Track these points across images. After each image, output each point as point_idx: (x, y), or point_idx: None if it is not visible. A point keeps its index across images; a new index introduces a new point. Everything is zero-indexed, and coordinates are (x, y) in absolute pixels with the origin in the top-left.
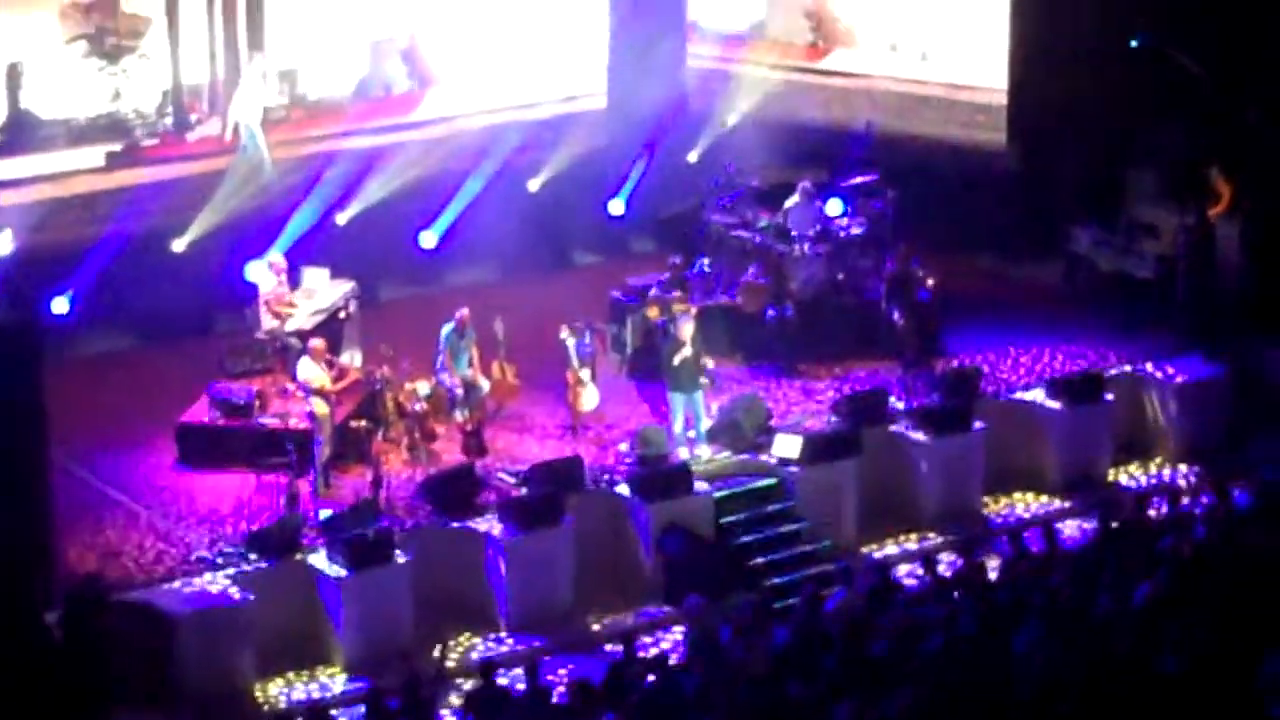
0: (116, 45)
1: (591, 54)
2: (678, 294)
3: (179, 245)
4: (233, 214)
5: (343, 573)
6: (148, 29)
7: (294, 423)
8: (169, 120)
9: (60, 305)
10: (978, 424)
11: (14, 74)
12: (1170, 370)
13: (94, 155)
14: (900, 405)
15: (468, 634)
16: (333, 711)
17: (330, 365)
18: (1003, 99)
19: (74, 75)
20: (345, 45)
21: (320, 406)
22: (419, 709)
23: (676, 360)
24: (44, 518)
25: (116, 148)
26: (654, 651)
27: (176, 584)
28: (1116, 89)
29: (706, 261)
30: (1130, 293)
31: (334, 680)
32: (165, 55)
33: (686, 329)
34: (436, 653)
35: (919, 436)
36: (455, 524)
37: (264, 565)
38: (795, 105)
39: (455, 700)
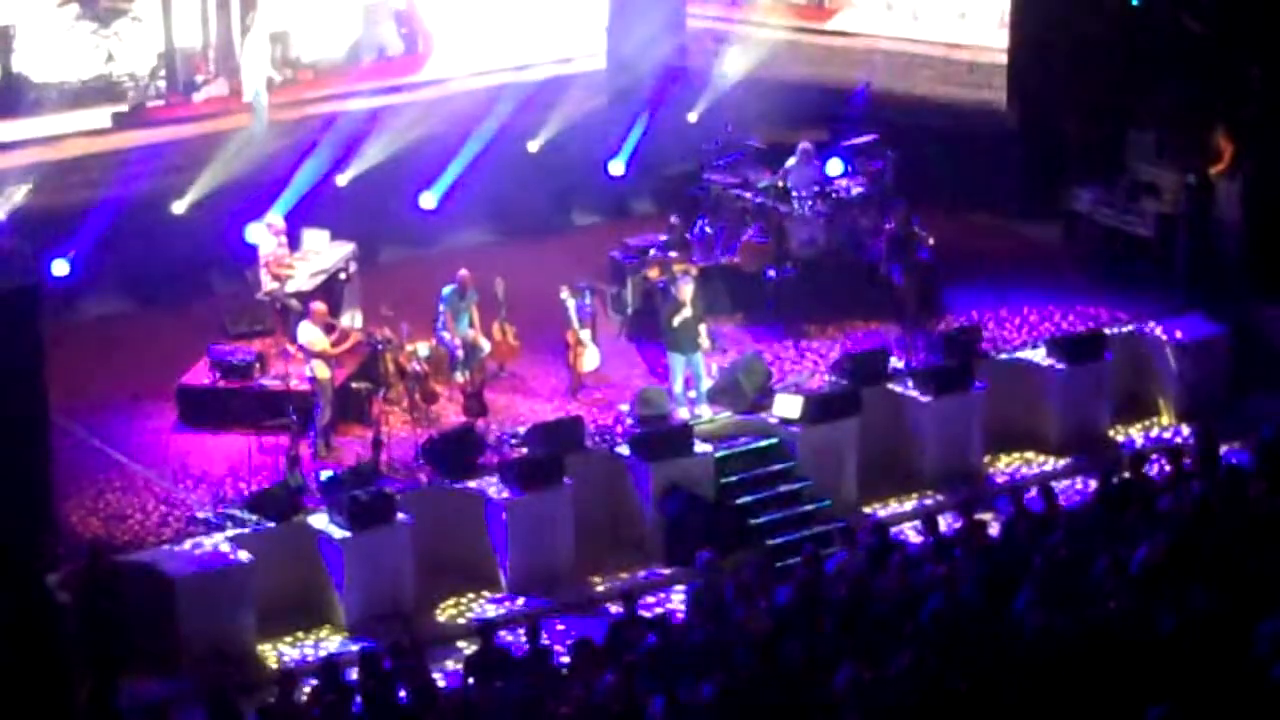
0: (109, 8)
1: (590, 14)
2: (677, 254)
3: (179, 207)
4: (233, 176)
5: (344, 534)
6: None
7: (295, 384)
8: (162, 83)
9: (60, 268)
10: (978, 383)
11: (5, 37)
12: (1171, 329)
13: (93, 117)
14: (900, 365)
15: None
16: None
17: (330, 328)
18: (1002, 58)
19: (66, 38)
20: (338, 7)
21: (321, 370)
22: (411, 672)
23: (676, 321)
24: (45, 480)
25: (121, 109)
26: (658, 611)
27: (178, 546)
28: (1117, 48)
29: (707, 222)
30: (1131, 251)
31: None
32: (158, 18)
33: (686, 290)
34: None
35: (919, 396)
36: (456, 485)
37: (265, 526)
38: (795, 65)
39: (453, 664)
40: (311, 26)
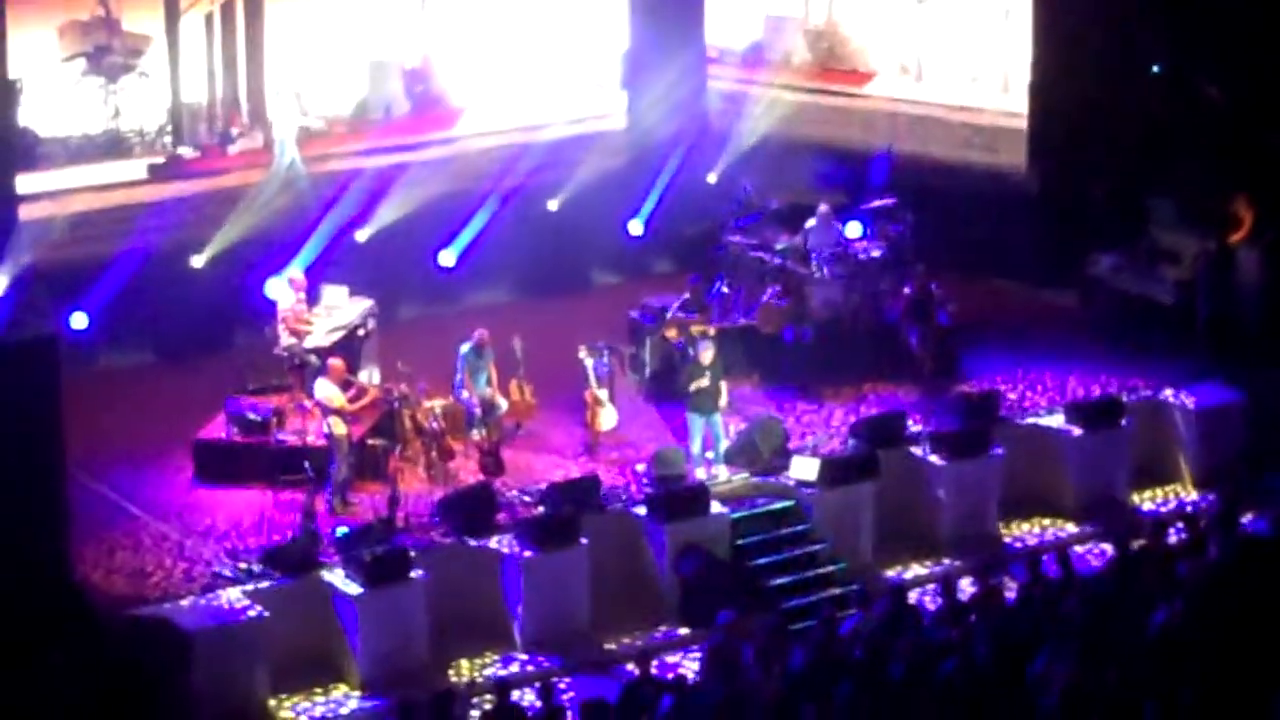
0: (115, 63)
1: (611, 73)
2: (696, 315)
3: (198, 261)
4: (254, 230)
5: (359, 590)
6: (148, 48)
7: (311, 440)
8: (169, 138)
9: (79, 320)
10: (995, 448)
11: (12, 91)
12: (1189, 396)
13: (108, 171)
14: (918, 428)
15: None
16: None
17: (348, 385)
18: (1023, 123)
19: (73, 93)
20: (345, 65)
21: (338, 426)
22: None
23: (694, 386)
24: (60, 533)
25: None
26: (674, 673)
27: (192, 600)
28: (1138, 115)
29: (725, 283)
30: (1150, 318)
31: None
32: (165, 74)
33: (707, 354)
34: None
35: (937, 460)
36: (472, 542)
37: (280, 582)
38: (815, 128)
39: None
40: (318, 84)
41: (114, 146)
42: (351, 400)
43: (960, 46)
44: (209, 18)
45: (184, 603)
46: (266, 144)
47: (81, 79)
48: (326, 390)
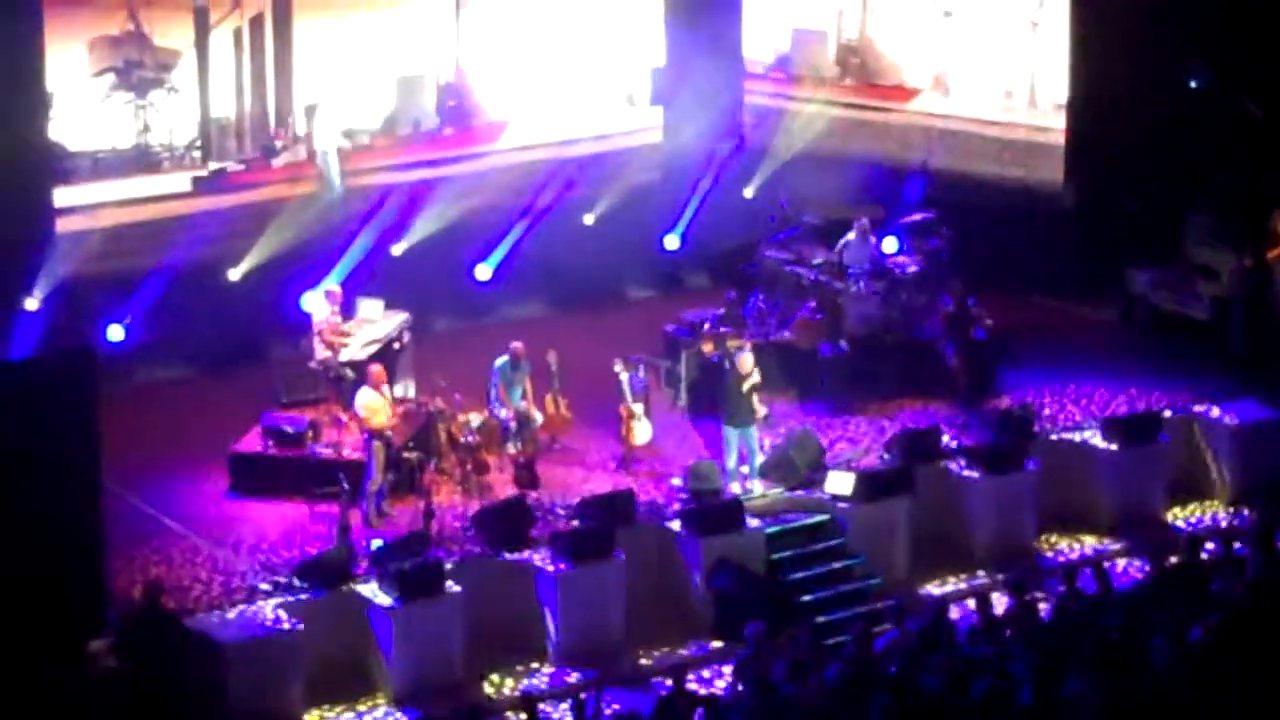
0: (144, 78)
1: (647, 88)
2: (732, 329)
3: (234, 274)
4: (290, 243)
5: (393, 603)
6: (177, 63)
7: (347, 453)
8: (198, 153)
9: (116, 333)
10: (1031, 463)
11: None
12: (1225, 413)
13: (152, 184)
14: (954, 443)
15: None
16: None
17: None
18: (1057, 138)
19: (103, 107)
20: (374, 80)
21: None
22: None
23: (745, 387)
24: (97, 545)
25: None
26: (704, 691)
27: (227, 612)
28: (1175, 130)
29: (761, 297)
30: (1186, 334)
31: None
32: (194, 89)
33: (747, 361)
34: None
35: (972, 474)
36: (506, 556)
37: (315, 595)
38: (852, 142)
39: None
40: (347, 99)
41: (143, 161)
42: (392, 408)
43: (988, 60)
44: (238, 33)
45: (219, 615)
46: (310, 157)
47: (111, 93)
48: (368, 397)
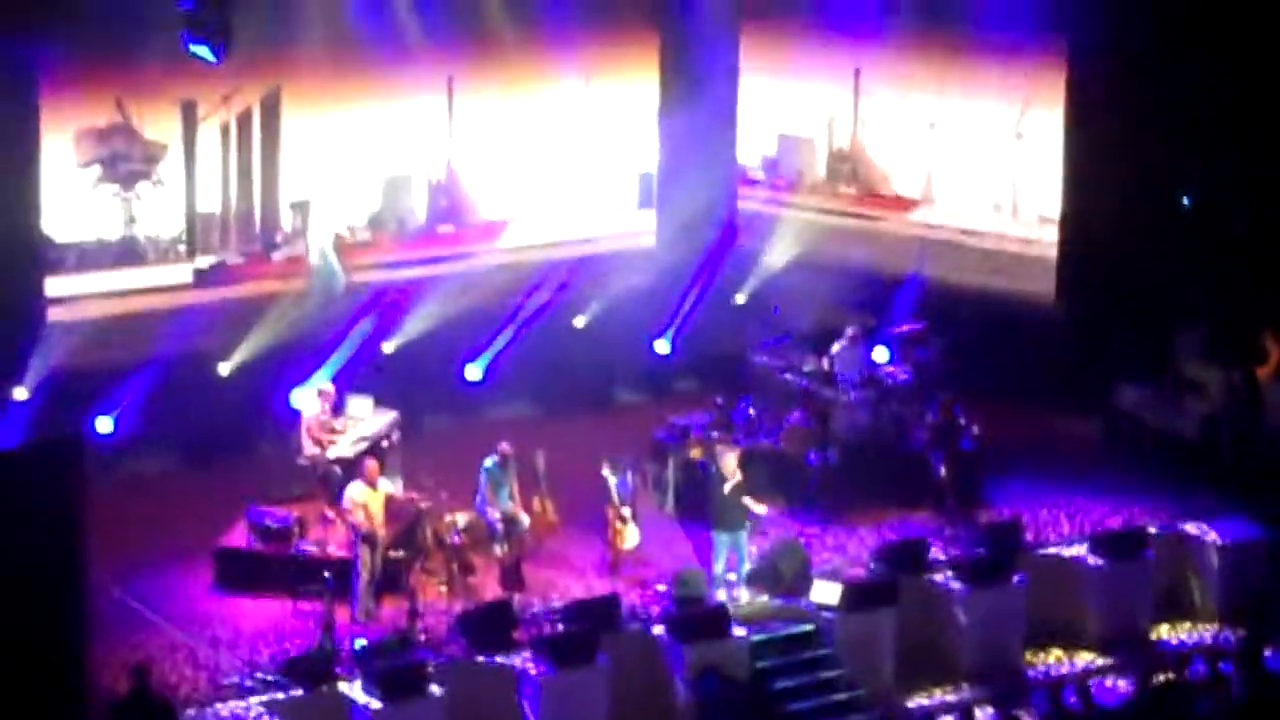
0: (131, 170)
1: (641, 192)
2: (720, 435)
3: (225, 368)
4: (281, 338)
5: (376, 704)
6: (164, 155)
7: (332, 550)
8: (183, 246)
9: (104, 424)
10: (1018, 577)
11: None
12: (1213, 531)
13: (147, 276)
14: (941, 555)
15: None
16: None
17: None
18: (1045, 250)
19: (89, 199)
20: (360, 179)
21: (365, 550)
22: None
23: (727, 488)
24: (80, 639)
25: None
26: None
27: (210, 709)
28: (1166, 246)
29: (751, 403)
30: (1174, 451)
31: None
32: (180, 182)
33: (730, 461)
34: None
35: (959, 587)
36: (490, 659)
37: (298, 693)
38: (845, 250)
39: None
40: (334, 196)
41: (129, 253)
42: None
43: (973, 171)
44: (225, 127)
45: (212, 711)
46: (307, 251)
47: (97, 185)
48: (357, 491)
